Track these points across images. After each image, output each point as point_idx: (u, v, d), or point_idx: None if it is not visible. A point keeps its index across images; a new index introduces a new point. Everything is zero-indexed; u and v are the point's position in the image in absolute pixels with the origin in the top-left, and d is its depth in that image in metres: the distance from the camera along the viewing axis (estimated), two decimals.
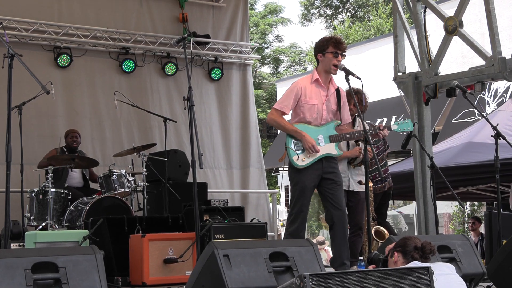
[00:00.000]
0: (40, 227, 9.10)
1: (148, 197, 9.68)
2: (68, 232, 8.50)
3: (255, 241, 6.60)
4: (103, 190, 9.52)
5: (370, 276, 3.49)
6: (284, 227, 18.25)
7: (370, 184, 7.61)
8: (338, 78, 7.09)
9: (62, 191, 9.38)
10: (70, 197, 9.38)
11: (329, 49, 6.84)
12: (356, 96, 7.34)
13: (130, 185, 9.65)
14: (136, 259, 7.70)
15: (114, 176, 9.52)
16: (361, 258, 8.28)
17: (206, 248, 5.00)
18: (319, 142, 6.82)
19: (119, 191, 9.47)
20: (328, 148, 6.84)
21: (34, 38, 11.46)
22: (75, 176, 10.30)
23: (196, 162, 6.02)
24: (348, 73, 6.72)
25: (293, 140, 6.84)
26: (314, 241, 10.07)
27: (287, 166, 7.04)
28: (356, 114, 8.02)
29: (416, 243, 4.52)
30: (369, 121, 7.11)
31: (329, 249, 16.73)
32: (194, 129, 6.06)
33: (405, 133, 7.44)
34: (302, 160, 6.77)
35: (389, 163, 13.13)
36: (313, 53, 7.42)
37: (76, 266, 4.58)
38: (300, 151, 6.79)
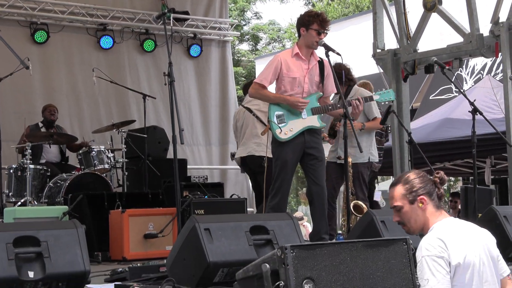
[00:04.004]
0: (19, 203, 9.07)
1: (128, 174, 9.67)
2: (47, 208, 8.49)
3: (236, 215, 6.63)
4: (82, 167, 9.50)
5: (350, 247, 3.54)
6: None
7: (350, 160, 7.66)
8: (318, 54, 7.11)
9: (40, 168, 9.35)
10: (49, 174, 9.35)
11: (314, 26, 6.83)
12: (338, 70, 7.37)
13: (109, 161, 9.63)
14: (116, 235, 7.74)
15: (93, 152, 9.49)
16: (339, 232, 8.38)
17: (187, 222, 5.03)
18: (301, 115, 6.84)
19: (98, 168, 9.45)
20: (310, 120, 6.86)
21: (10, 14, 11.36)
22: (52, 151, 10.25)
23: (177, 138, 6.02)
24: (328, 49, 6.74)
25: (276, 113, 6.84)
26: None
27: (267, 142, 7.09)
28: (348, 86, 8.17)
29: (433, 179, 4.09)
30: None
31: (308, 225, 16.87)
32: (175, 104, 6.07)
33: (387, 103, 7.48)
34: (285, 133, 6.79)
35: None
36: (292, 30, 7.43)
37: (57, 240, 4.59)
38: (283, 124, 6.81)
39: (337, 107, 6.93)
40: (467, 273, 3.71)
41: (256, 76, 7.34)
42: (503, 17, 8.63)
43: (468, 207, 9.25)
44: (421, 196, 3.98)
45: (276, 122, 6.82)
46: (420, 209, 3.96)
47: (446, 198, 18.48)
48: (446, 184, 19.12)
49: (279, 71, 6.87)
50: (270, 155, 7.41)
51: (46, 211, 7.91)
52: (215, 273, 4.88)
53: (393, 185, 4.07)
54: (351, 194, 7.66)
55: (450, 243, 3.72)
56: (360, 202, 7.80)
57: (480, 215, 6.98)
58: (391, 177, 16.62)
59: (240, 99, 12.58)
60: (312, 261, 3.40)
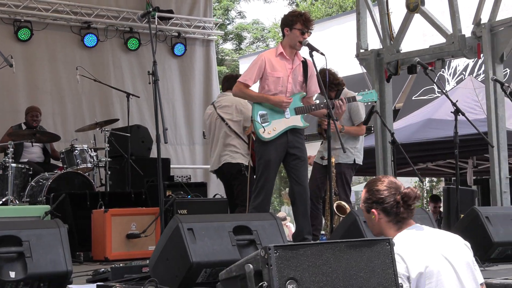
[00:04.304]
0: (0, 202, 9.01)
1: (111, 173, 9.66)
2: (29, 207, 8.45)
3: (219, 215, 6.63)
4: (65, 166, 9.46)
5: (333, 248, 3.54)
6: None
7: (333, 160, 7.68)
8: (302, 54, 7.12)
9: (23, 167, 9.29)
10: (31, 173, 9.30)
11: (297, 26, 6.85)
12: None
13: (92, 160, 9.60)
14: (99, 234, 7.72)
15: (76, 151, 9.46)
16: (322, 232, 8.39)
17: (171, 222, 5.02)
18: (284, 115, 6.85)
19: (81, 167, 9.41)
20: (293, 120, 6.87)
21: None
22: (35, 151, 10.22)
23: (161, 137, 6.01)
24: (312, 49, 6.75)
25: (259, 112, 6.86)
26: None
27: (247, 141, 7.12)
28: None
29: (396, 197, 3.90)
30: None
31: (291, 225, 16.87)
32: (159, 103, 6.06)
33: (369, 103, 7.49)
34: (268, 133, 6.80)
35: None
36: (276, 30, 7.46)
37: (39, 240, 4.56)
38: (266, 124, 6.82)
39: (320, 107, 6.95)
40: (432, 282, 3.70)
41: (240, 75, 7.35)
42: (485, 18, 8.68)
43: (451, 207, 9.28)
44: (373, 210, 3.96)
45: (260, 122, 6.83)
46: (374, 219, 3.96)
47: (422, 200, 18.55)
48: (428, 185, 19.21)
49: (263, 70, 6.88)
50: (246, 163, 7.51)
51: (28, 210, 7.87)
52: (198, 274, 4.87)
53: (365, 185, 4.07)
54: (334, 194, 7.67)
55: (408, 256, 3.70)
56: (343, 203, 7.82)
57: (462, 215, 7.02)
58: (374, 177, 16.68)
59: None
60: (296, 262, 3.40)
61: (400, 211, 3.92)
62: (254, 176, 7.07)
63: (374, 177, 4.09)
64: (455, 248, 3.91)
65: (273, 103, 6.83)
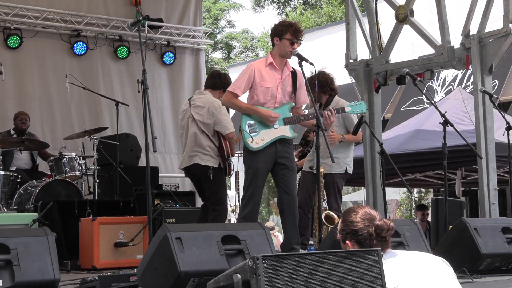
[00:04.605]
0: None
1: (99, 181, 9.63)
2: (17, 215, 8.41)
3: (208, 225, 6.62)
4: (53, 173, 9.43)
5: (322, 258, 3.55)
6: (234, 212, 18.25)
7: (322, 170, 7.68)
8: (291, 64, 7.14)
9: (11, 174, 9.26)
10: (19, 180, 9.27)
11: (287, 36, 6.86)
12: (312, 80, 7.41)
13: (80, 168, 9.58)
14: (87, 243, 7.69)
15: (65, 159, 9.44)
16: (311, 242, 8.38)
17: (159, 231, 5.01)
18: (273, 125, 6.86)
19: (69, 175, 9.40)
20: (282, 130, 6.88)
21: None
22: (23, 158, 10.19)
23: (150, 145, 6.01)
24: (301, 59, 6.76)
25: (247, 122, 6.86)
26: None
27: (241, 152, 7.09)
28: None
29: (369, 229, 3.91)
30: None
31: (279, 235, 16.87)
32: (148, 112, 6.06)
33: (358, 115, 7.51)
34: (256, 143, 6.80)
35: None
36: (265, 39, 7.46)
37: (27, 248, 4.56)
38: (255, 133, 6.82)
39: (309, 118, 6.95)
40: None
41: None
42: (473, 30, 8.72)
43: (439, 218, 9.30)
44: (347, 241, 3.97)
45: (248, 131, 6.83)
46: (349, 248, 3.95)
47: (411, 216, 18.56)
48: (416, 196, 19.25)
49: (253, 80, 6.88)
50: (215, 165, 7.60)
51: (16, 218, 7.83)
52: (186, 283, 4.87)
53: (342, 215, 4.06)
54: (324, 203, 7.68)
55: None
56: (331, 213, 7.81)
57: (450, 227, 7.03)
58: (362, 187, 16.70)
59: None
60: (284, 272, 3.40)
61: (374, 243, 3.91)
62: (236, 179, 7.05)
63: (349, 207, 4.08)
64: (430, 266, 3.91)
65: (260, 116, 6.84)
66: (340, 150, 8.11)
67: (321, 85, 7.96)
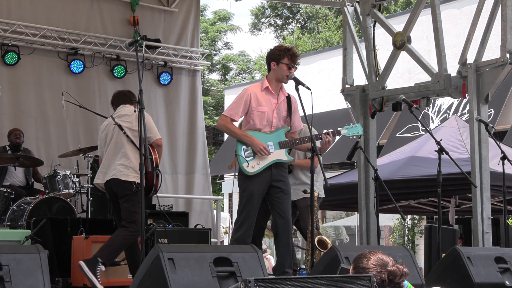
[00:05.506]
0: None
1: (92, 199, 9.62)
2: (9, 231, 8.39)
3: (200, 246, 6.61)
4: (47, 191, 9.43)
5: (314, 283, 3.54)
6: (227, 234, 18.16)
7: (315, 194, 7.67)
8: (288, 88, 7.16)
9: (4, 190, 9.26)
10: (12, 196, 9.27)
11: (285, 60, 6.90)
12: None
13: (74, 186, 9.58)
14: (79, 261, 7.65)
15: (59, 176, 9.44)
16: (303, 266, 8.37)
17: (151, 251, 5.00)
18: (268, 148, 6.87)
19: (63, 192, 9.40)
20: (278, 154, 6.90)
21: None
22: (18, 175, 10.19)
23: (144, 165, 6.00)
24: (298, 83, 6.78)
25: (243, 146, 6.88)
26: None
27: (236, 173, 7.08)
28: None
29: (381, 275, 3.87)
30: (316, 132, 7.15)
31: (271, 258, 16.82)
32: (144, 131, 6.06)
33: (354, 137, 7.51)
34: (252, 167, 6.81)
35: (333, 174, 13.27)
36: (262, 62, 7.48)
37: (19, 265, 4.54)
38: (250, 158, 6.83)
39: (304, 141, 6.97)
40: None
41: (225, 108, 7.34)
42: (470, 58, 8.76)
43: (432, 246, 9.30)
44: None
45: (244, 156, 6.84)
46: None
47: None
48: (409, 222, 19.22)
49: (249, 105, 6.90)
50: (137, 180, 6.84)
51: (8, 234, 7.81)
52: None
53: (353, 260, 4.01)
54: (316, 229, 7.66)
55: None
56: (324, 237, 7.81)
57: (443, 255, 7.02)
58: (356, 213, 16.70)
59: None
60: None
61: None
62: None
63: (361, 252, 4.02)
64: None
65: (252, 146, 6.82)
66: (300, 175, 8.17)
67: None
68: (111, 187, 7.28)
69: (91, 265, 6.84)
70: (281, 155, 6.93)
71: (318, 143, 6.97)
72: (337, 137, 7.87)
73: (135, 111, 6.97)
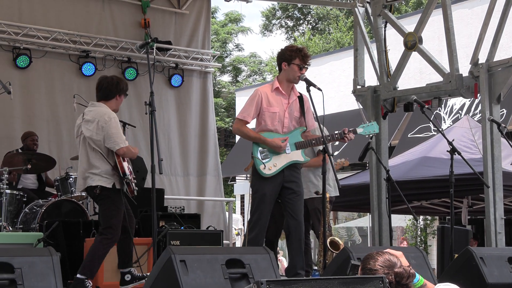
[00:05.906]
0: None
1: None
2: (22, 234, 8.43)
3: (212, 248, 6.62)
4: (59, 193, 9.44)
5: (326, 284, 3.53)
6: (239, 236, 18.17)
7: (327, 195, 7.66)
8: (299, 89, 7.15)
9: (17, 193, 9.27)
10: (25, 199, 9.28)
11: (296, 61, 6.89)
12: None
13: None
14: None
15: (71, 179, 9.45)
16: (315, 268, 8.36)
17: (163, 253, 5.01)
18: (285, 150, 6.86)
19: (75, 195, 9.40)
20: (294, 155, 6.89)
21: None
22: (30, 178, 10.21)
23: (156, 167, 6.01)
24: (309, 84, 6.78)
25: (259, 148, 6.87)
26: None
27: (248, 175, 7.08)
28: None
29: (388, 277, 3.85)
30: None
31: (283, 259, 16.82)
32: (155, 134, 6.06)
33: (371, 135, 7.48)
34: (269, 169, 6.81)
35: (345, 175, 13.25)
36: (273, 63, 7.47)
37: (32, 268, 4.55)
38: (267, 160, 6.83)
39: (321, 142, 6.93)
40: None
41: (237, 111, 7.34)
42: (482, 58, 8.73)
43: (445, 247, 9.26)
44: None
45: (260, 158, 6.84)
46: None
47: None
48: (422, 223, 19.18)
49: (260, 106, 6.89)
50: (108, 185, 6.86)
51: (21, 237, 7.84)
52: None
53: (361, 261, 4.00)
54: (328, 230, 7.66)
55: None
56: (336, 239, 7.80)
57: (456, 255, 6.99)
58: (368, 213, 16.66)
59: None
60: None
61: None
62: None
63: (369, 253, 4.00)
64: None
65: (268, 146, 6.84)
66: (310, 175, 8.15)
67: None
68: (88, 193, 7.27)
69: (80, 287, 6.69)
70: (298, 156, 6.92)
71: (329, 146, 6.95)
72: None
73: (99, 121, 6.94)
